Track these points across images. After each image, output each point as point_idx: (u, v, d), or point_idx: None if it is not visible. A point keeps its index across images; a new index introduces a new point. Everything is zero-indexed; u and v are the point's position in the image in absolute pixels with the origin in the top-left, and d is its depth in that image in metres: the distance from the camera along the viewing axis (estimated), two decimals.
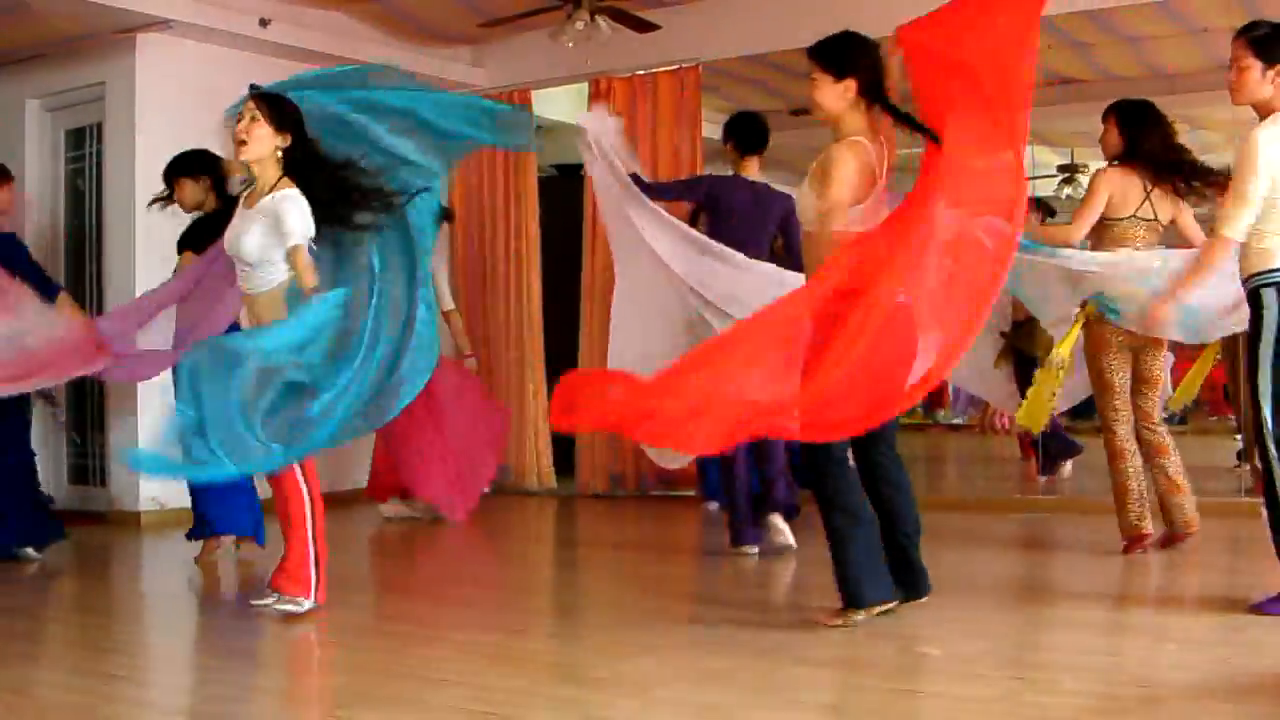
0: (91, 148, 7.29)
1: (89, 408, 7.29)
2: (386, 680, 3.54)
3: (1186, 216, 5.25)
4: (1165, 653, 3.76)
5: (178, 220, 6.56)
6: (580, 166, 8.38)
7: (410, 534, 6.63)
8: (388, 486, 6.94)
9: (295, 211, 4.14)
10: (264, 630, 4.23)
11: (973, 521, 6.01)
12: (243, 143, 4.21)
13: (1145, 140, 5.15)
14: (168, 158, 6.83)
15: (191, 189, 5.44)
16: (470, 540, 6.69)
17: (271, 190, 4.21)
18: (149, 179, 6.80)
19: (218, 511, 5.43)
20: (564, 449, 8.22)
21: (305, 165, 4.22)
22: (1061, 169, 9.78)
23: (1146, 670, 3.56)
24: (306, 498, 4.27)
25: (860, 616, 3.94)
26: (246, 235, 4.20)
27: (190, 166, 5.51)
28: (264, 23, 7.09)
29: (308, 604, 4.25)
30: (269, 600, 4.29)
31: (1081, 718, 3.04)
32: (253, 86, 4.32)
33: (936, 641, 3.81)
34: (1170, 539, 5.21)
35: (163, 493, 6.76)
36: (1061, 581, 5.07)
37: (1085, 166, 9.42)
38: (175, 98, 6.94)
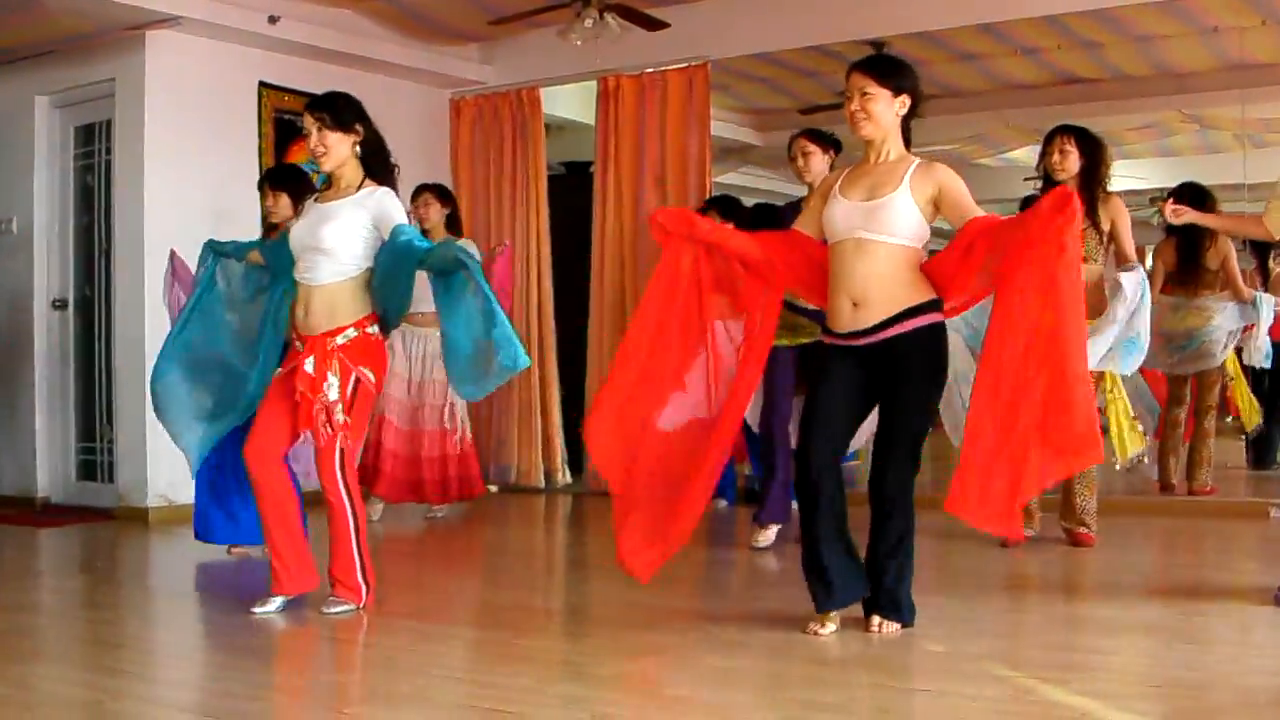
0: (101, 144, 7.30)
1: (98, 403, 7.31)
2: (394, 677, 3.55)
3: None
4: (1175, 652, 3.75)
5: (185, 218, 6.60)
6: (589, 164, 8.39)
7: (417, 531, 6.63)
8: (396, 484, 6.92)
9: (399, 207, 4.26)
10: (272, 627, 4.23)
11: None
12: (322, 154, 4.25)
13: None
14: (177, 154, 6.89)
15: (286, 203, 5.40)
16: (477, 537, 6.69)
17: (360, 188, 4.27)
18: (158, 176, 6.85)
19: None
20: (572, 446, 8.21)
21: (377, 153, 4.31)
22: None
23: (1156, 669, 3.55)
24: (350, 511, 4.29)
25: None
26: (331, 223, 4.21)
27: (295, 180, 5.50)
28: (273, 20, 7.08)
29: (356, 607, 4.30)
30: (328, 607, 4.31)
31: (1090, 717, 3.04)
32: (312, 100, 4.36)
33: (944, 640, 3.81)
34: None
35: (171, 489, 6.78)
36: (1068, 579, 5.06)
37: None
38: (184, 94, 6.96)
